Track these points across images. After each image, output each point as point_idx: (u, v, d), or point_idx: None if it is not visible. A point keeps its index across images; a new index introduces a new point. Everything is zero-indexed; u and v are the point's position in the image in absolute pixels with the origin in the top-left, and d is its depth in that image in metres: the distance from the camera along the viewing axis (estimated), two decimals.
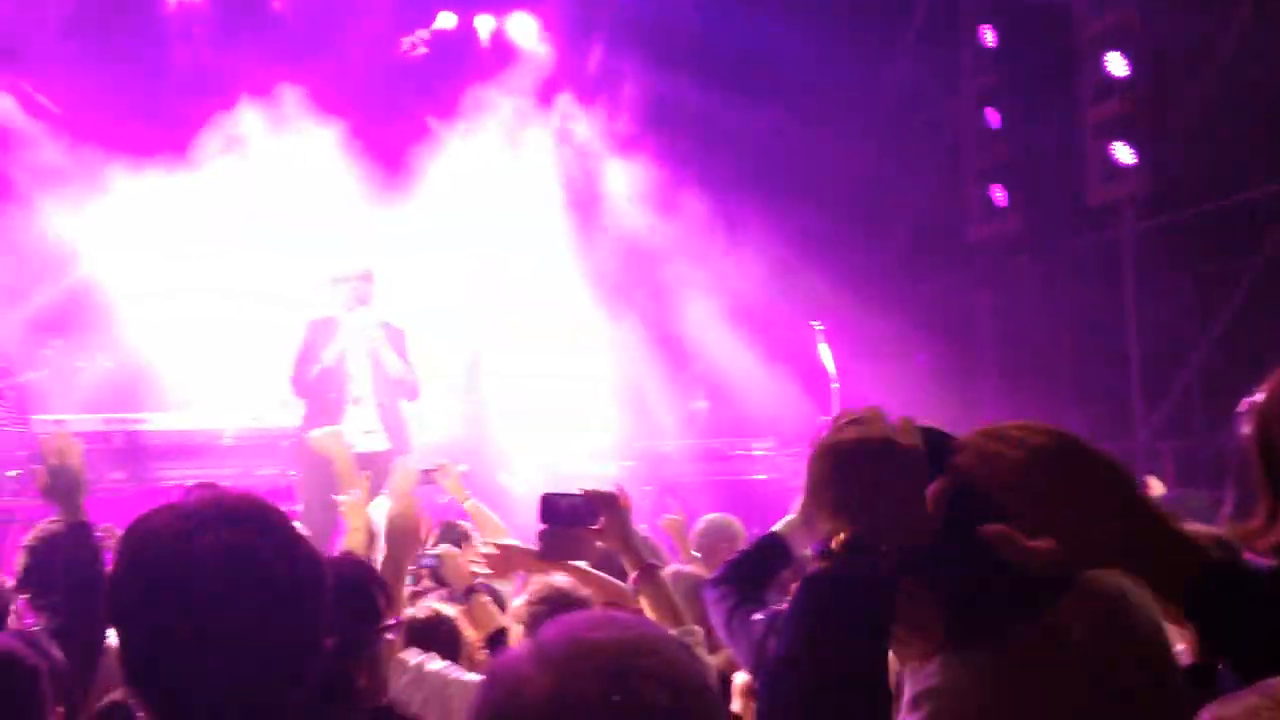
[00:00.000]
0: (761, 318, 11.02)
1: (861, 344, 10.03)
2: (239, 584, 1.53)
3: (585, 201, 12.00)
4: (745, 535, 5.42)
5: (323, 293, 7.49)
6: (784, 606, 2.44)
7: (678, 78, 12.02)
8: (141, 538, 1.59)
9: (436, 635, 3.57)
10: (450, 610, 3.82)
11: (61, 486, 3.37)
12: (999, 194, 10.85)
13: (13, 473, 7.75)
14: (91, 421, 7.68)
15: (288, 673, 1.57)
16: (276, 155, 10.86)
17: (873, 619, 1.42)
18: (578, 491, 3.21)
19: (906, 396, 9.64)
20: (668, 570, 4.00)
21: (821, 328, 9.22)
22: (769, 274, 11.13)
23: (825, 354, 9.17)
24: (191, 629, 1.52)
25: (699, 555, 5.43)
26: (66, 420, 7.54)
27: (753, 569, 3.03)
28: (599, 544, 3.25)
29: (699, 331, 11.33)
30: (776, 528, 3.20)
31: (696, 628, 3.07)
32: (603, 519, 3.14)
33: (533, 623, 3.25)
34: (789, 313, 10.38)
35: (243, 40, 11.31)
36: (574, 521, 3.14)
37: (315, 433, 4.84)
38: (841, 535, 1.43)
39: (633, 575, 3.12)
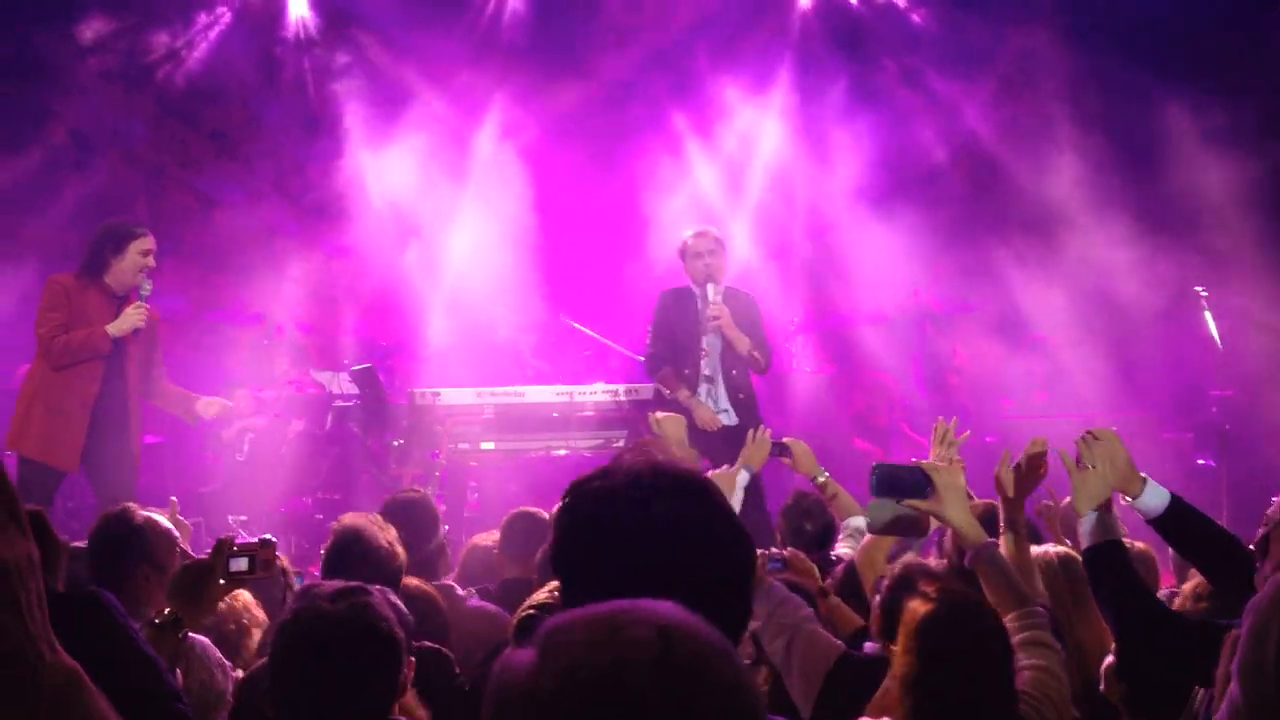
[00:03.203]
0: (1137, 279, 10.37)
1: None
2: (691, 554, 1.57)
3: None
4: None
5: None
6: None
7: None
8: (593, 499, 1.64)
9: None
10: None
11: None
12: None
13: (396, 442, 8.28)
14: (464, 394, 8.07)
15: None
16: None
17: None
18: (911, 463, 3.07)
19: None
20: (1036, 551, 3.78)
21: (1205, 293, 8.56)
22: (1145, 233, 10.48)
23: (1209, 321, 8.49)
24: (636, 589, 1.53)
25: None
26: (441, 393, 7.98)
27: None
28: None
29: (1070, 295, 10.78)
30: None
31: (1039, 608, 2.86)
32: (936, 493, 2.98)
33: (883, 615, 3.13)
34: (1169, 276, 9.73)
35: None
36: (907, 493, 3.00)
37: (659, 414, 4.91)
38: None
39: (969, 553, 2.95)
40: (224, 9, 11.59)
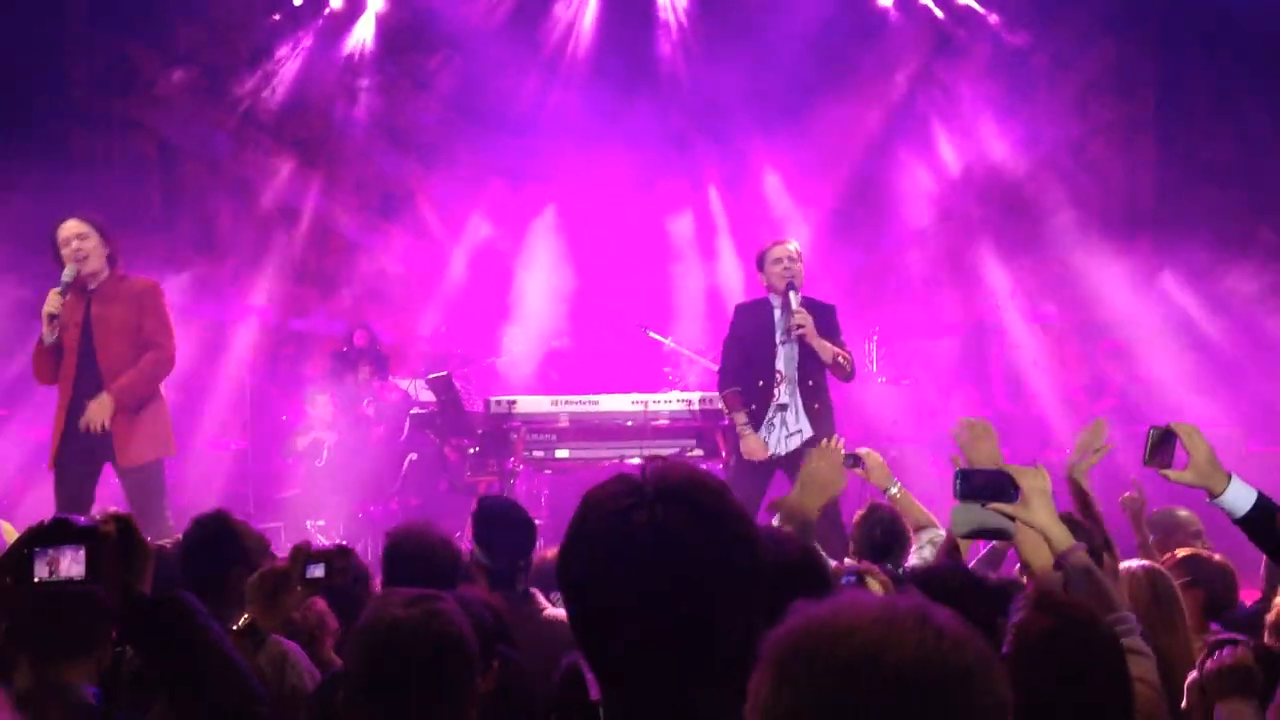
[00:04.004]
0: (1224, 289, 10.17)
1: None
2: (661, 562, 1.53)
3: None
4: (1200, 530, 4.99)
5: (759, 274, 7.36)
6: None
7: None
8: (591, 507, 1.62)
9: None
10: None
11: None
12: None
13: (472, 449, 8.35)
14: (540, 403, 8.13)
15: (710, 649, 1.54)
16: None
17: None
18: (996, 469, 3.02)
19: None
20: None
21: None
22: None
23: None
24: (612, 599, 1.54)
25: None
26: (517, 401, 8.04)
27: None
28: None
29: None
30: None
31: (1129, 614, 2.80)
32: (1021, 496, 2.94)
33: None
34: (1257, 285, 9.54)
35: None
36: (992, 497, 2.96)
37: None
38: None
39: (1055, 558, 2.89)
40: (308, 22, 11.80)
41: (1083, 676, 2.47)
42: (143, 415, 6.31)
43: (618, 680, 1.57)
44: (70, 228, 6.28)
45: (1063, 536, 2.92)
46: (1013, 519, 3.01)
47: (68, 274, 6.17)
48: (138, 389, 6.27)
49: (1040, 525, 2.94)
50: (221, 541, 3.69)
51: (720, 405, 7.50)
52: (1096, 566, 2.88)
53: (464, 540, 5.35)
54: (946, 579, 3.26)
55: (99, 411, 6.14)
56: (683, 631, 1.52)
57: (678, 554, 1.53)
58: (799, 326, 6.82)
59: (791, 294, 6.90)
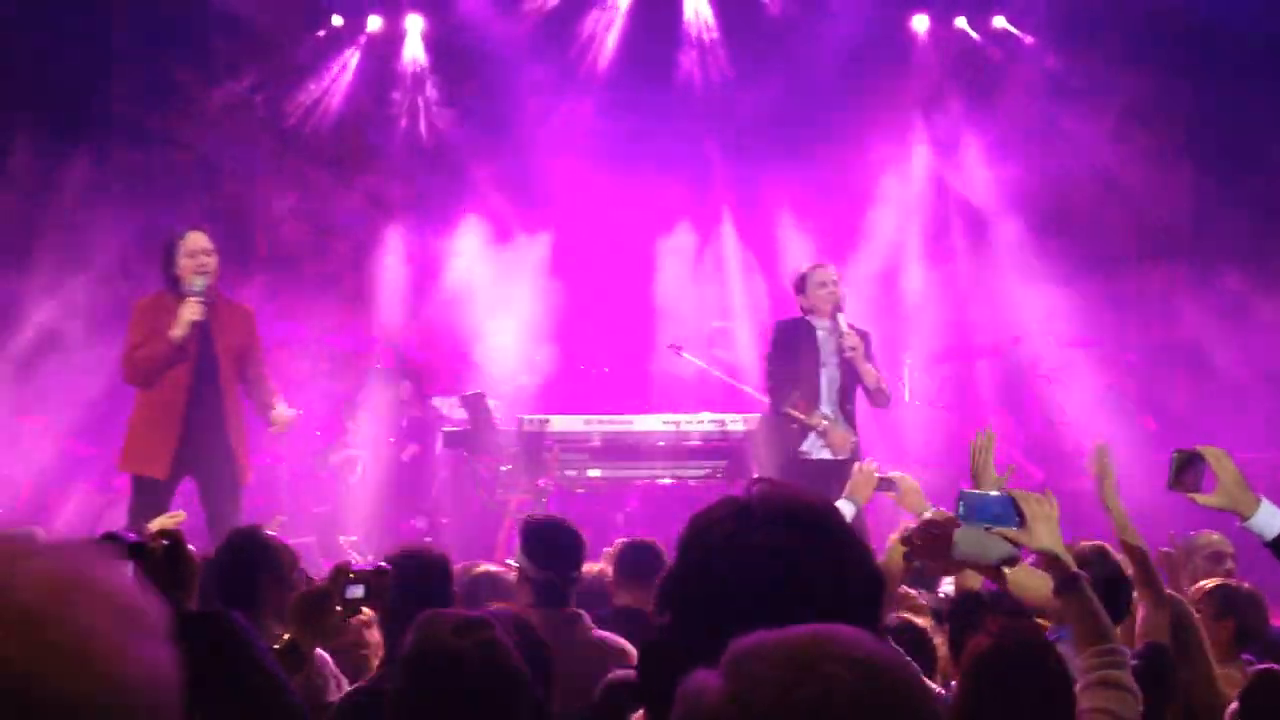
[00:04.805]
0: (1261, 313, 10.09)
1: None
2: (775, 584, 1.53)
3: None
4: (1220, 552, 4.98)
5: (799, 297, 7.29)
6: None
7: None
8: (700, 532, 1.63)
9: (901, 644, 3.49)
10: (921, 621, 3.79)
11: None
12: None
13: (505, 467, 8.38)
14: (573, 422, 8.15)
15: None
16: None
17: None
18: (999, 492, 2.99)
19: None
20: None
21: None
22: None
23: None
24: (723, 622, 1.50)
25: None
26: (550, 420, 8.07)
27: None
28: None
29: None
30: None
31: (1122, 647, 2.75)
32: (1025, 522, 2.90)
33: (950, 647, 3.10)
34: None
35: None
36: (994, 521, 2.93)
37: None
38: None
39: (1054, 582, 2.85)
40: (348, 41, 11.90)
41: (1016, 697, 2.48)
42: None
43: None
44: (201, 241, 6.37)
45: (1066, 561, 2.88)
46: (1017, 544, 2.99)
47: (200, 285, 6.22)
48: None
49: (1043, 550, 2.91)
50: (253, 555, 3.74)
51: (757, 422, 7.53)
52: (1094, 595, 2.83)
53: (500, 556, 5.37)
54: (991, 608, 3.25)
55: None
56: None
57: (791, 577, 1.53)
58: (851, 348, 6.82)
59: (840, 316, 6.93)
